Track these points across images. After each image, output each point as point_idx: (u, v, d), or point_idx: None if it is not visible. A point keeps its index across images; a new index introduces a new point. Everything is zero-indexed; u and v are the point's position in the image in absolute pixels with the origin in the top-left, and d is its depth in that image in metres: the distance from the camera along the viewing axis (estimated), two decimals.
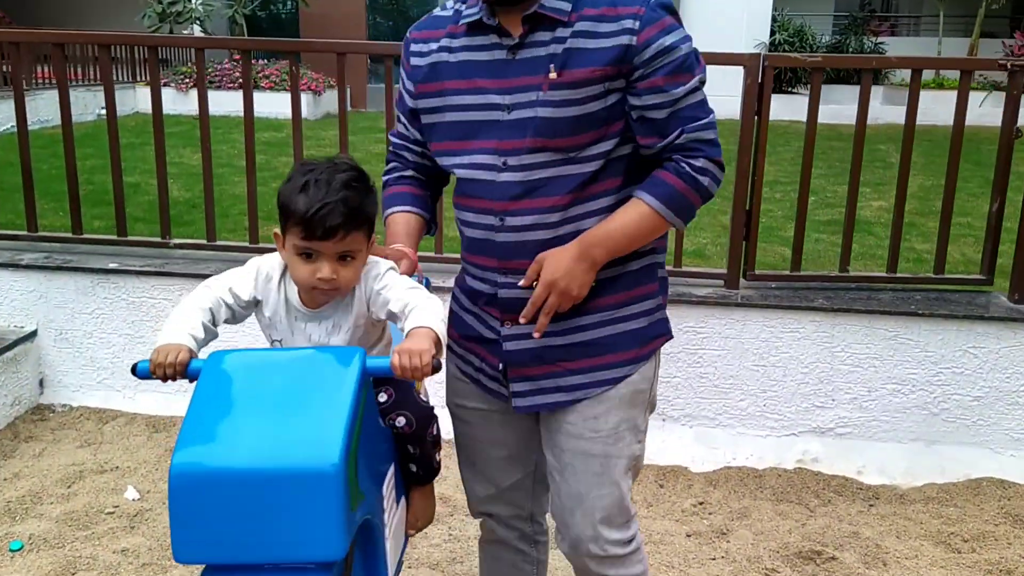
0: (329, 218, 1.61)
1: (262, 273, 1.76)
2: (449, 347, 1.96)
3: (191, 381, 1.53)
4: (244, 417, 1.40)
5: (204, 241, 3.84)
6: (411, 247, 1.86)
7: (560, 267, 1.68)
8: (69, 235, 3.88)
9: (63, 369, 3.81)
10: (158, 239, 3.85)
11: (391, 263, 1.79)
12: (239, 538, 1.33)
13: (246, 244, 3.80)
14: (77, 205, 3.85)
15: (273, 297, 1.76)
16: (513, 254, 1.74)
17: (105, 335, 3.76)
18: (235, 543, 1.33)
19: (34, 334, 3.75)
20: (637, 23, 1.64)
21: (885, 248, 5.96)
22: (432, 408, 1.87)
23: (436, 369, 1.54)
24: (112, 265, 3.70)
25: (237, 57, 13.86)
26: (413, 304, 1.66)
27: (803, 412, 3.57)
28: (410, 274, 1.81)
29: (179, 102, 12.22)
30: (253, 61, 13.26)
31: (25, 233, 3.89)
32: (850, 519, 3.20)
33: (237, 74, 13.08)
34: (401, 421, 1.79)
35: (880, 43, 16.11)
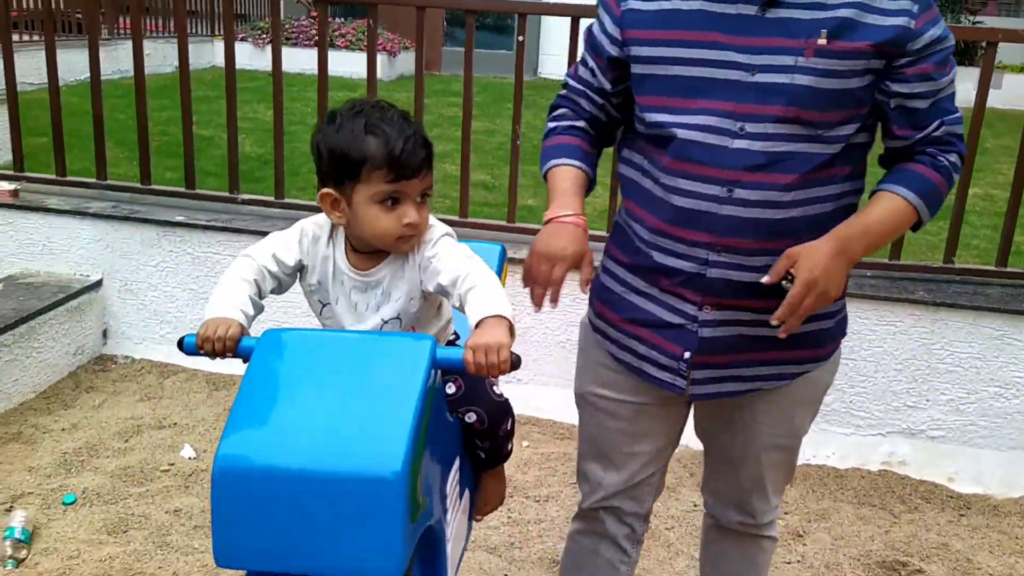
0: (417, 153, 1.50)
1: (307, 235, 1.62)
2: (598, 331, 1.81)
3: (243, 361, 1.40)
4: (298, 408, 1.25)
5: (272, 198, 3.75)
6: (580, 209, 1.67)
7: (819, 265, 1.51)
8: (137, 185, 3.82)
9: (127, 321, 3.76)
10: (226, 194, 3.77)
11: (447, 228, 1.64)
12: (286, 546, 1.18)
13: (314, 203, 3.68)
14: (146, 156, 3.78)
15: (320, 261, 1.62)
16: (735, 231, 1.57)
17: (169, 288, 3.70)
18: (281, 551, 1.19)
19: (99, 284, 3.70)
20: (916, 7, 1.55)
21: (980, 238, 5.64)
22: (507, 402, 1.71)
23: (516, 366, 1.38)
24: (179, 218, 3.63)
25: (314, 14, 13.89)
26: (472, 282, 1.48)
27: (892, 411, 3.33)
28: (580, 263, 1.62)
29: (255, 57, 12.19)
30: (330, 19, 13.21)
31: (94, 181, 3.84)
32: (939, 529, 2.98)
33: (314, 31, 13.05)
34: (472, 417, 1.65)
35: (977, 22, 15.32)
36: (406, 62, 13.27)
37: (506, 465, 3.16)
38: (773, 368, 1.71)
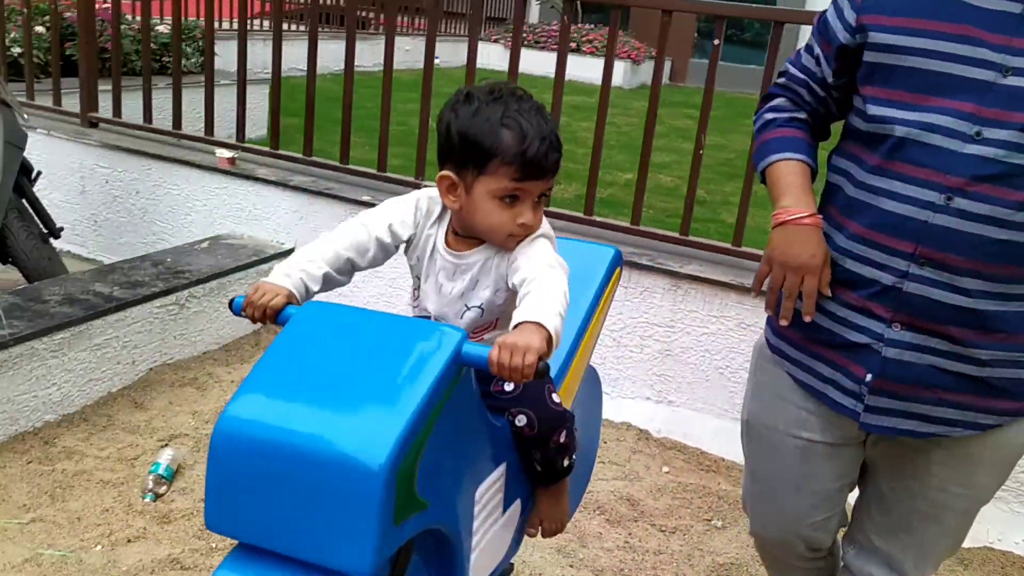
0: (550, 155, 1.44)
1: (422, 209, 1.59)
2: (776, 351, 1.70)
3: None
4: (309, 383, 1.23)
5: None
6: (814, 207, 1.57)
7: None
8: (336, 164, 4.04)
9: None
10: (411, 178, 3.89)
11: (548, 229, 1.56)
12: (270, 521, 1.16)
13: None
14: (347, 137, 4.00)
15: (424, 237, 1.59)
16: (947, 245, 1.42)
17: None
18: (265, 526, 1.16)
19: (291, 251, 3.95)
20: None
21: None
22: (565, 412, 1.61)
23: (541, 374, 1.28)
24: (365, 197, 3.79)
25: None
26: (533, 287, 1.40)
27: None
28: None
29: (506, 59, 12.61)
30: (579, 24, 13.37)
31: (301, 156, 4.10)
32: None
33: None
34: (522, 420, 1.56)
35: None
36: (649, 71, 13.18)
37: (638, 487, 3.07)
38: (964, 413, 1.52)
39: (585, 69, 11.64)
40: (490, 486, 1.51)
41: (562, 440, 1.59)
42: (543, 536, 1.75)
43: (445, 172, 1.50)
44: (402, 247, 1.62)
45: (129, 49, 5.60)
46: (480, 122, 1.44)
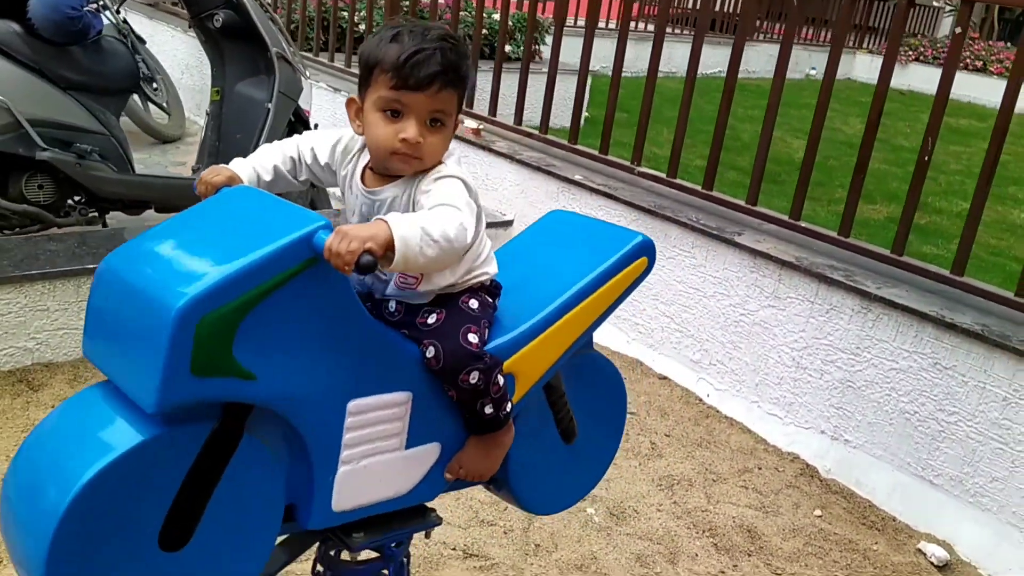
0: (426, 65, 1.44)
1: (342, 143, 1.63)
2: None
3: None
4: (179, 242, 1.33)
5: (664, 175, 3.67)
6: None
7: None
8: (564, 142, 4.08)
9: None
10: (627, 162, 3.81)
11: (460, 172, 1.51)
12: (111, 353, 1.30)
13: (699, 188, 3.56)
14: (610, 124, 4.00)
15: (344, 175, 1.62)
16: None
17: None
18: (109, 356, 1.30)
19: (510, 223, 4.07)
20: None
21: None
22: (478, 354, 1.52)
23: (364, 267, 1.26)
24: (577, 177, 3.78)
25: (975, 35, 12.45)
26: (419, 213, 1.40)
27: None
28: None
29: (895, 74, 11.58)
30: (991, 43, 11.80)
31: (536, 132, 4.20)
32: None
33: (967, 53, 11.80)
34: (431, 351, 1.52)
35: None
36: None
37: (770, 522, 2.72)
38: None
39: (984, 90, 10.34)
40: (374, 408, 1.48)
41: (473, 381, 1.52)
42: (455, 479, 1.67)
43: (351, 97, 1.54)
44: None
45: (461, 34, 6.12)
46: (375, 40, 1.48)
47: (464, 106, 2.34)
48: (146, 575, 1.27)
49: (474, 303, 1.58)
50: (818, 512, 2.84)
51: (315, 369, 1.37)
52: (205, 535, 1.30)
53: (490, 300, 1.64)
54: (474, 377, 1.52)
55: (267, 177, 1.61)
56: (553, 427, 1.81)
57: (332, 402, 1.42)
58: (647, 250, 1.83)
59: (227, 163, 1.60)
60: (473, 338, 1.55)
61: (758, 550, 2.65)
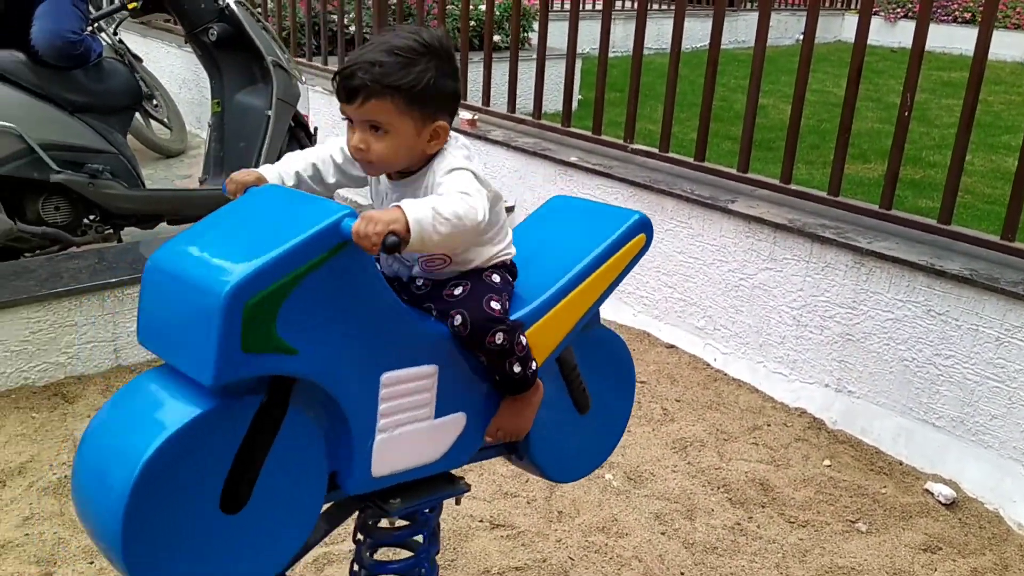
0: (349, 79, 1.55)
1: None
2: None
3: None
4: (219, 237, 1.47)
5: (656, 150, 3.77)
6: None
7: None
8: (558, 126, 4.17)
9: None
10: (620, 140, 3.90)
11: (462, 164, 1.61)
12: (168, 338, 1.43)
13: (691, 160, 3.66)
14: (601, 104, 4.10)
15: (372, 182, 1.75)
16: None
17: None
18: (165, 341, 1.44)
19: (511, 209, 4.17)
20: None
21: None
22: (500, 317, 1.65)
23: (389, 248, 1.39)
24: (573, 159, 3.89)
25: None
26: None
27: None
28: None
29: (883, 32, 11.60)
30: None
31: (528, 116, 4.29)
32: None
33: (955, 6, 11.83)
34: (458, 320, 1.65)
35: None
36: None
37: (781, 474, 2.83)
38: None
39: (964, 41, 10.35)
40: (406, 380, 1.61)
41: (499, 342, 1.65)
42: (502, 440, 1.80)
43: None
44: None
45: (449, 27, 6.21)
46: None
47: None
48: (211, 538, 1.40)
49: (496, 277, 1.72)
50: (827, 462, 2.96)
51: (350, 344, 1.50)
52: (261, 497, 1.44)
53: (509, 277, 1.77)
54: (499, 338, 1.65)
55: (290, 182, 1.72)
56: (568, 399, 1.93)
57: (367, 374, 1.55)
58: (644, 227, 1.95)
59: (233, 172, 1.71)
60: (496, 305, 1.68)
61: (771, 501, 2.77)
